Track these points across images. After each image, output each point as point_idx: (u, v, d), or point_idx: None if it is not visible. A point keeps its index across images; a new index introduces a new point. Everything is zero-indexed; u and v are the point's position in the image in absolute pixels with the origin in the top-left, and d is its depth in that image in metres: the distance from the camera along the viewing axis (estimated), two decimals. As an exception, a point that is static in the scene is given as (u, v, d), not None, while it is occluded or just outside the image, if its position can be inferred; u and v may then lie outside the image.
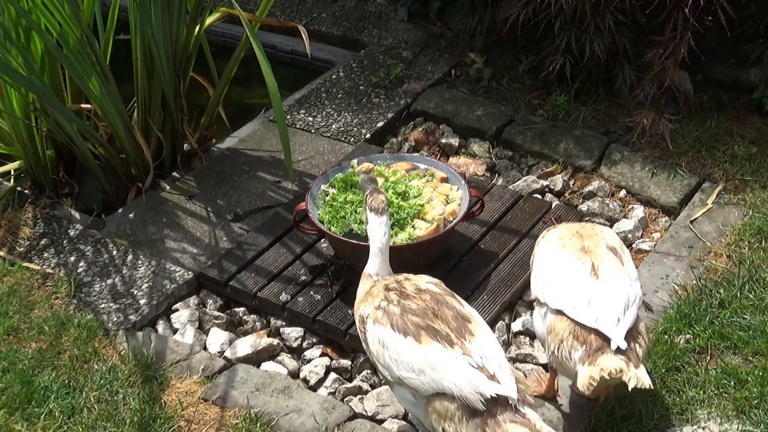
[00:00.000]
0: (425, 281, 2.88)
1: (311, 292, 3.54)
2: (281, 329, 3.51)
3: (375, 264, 3.00)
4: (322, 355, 3.43)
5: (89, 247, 3.83)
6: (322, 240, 3.75)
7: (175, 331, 3.53)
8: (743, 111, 4.51)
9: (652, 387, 2.75)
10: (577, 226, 3.15)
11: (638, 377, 2.74)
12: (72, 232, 3.91)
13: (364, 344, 2.88)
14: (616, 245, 3.04)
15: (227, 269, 3.66)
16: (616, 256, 2.99)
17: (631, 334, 2.84)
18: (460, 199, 3.59)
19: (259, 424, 3.06)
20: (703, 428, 2.99)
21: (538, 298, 3.02)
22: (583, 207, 4.04)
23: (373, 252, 3.01)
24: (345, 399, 3.24)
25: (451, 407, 2.61)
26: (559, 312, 2.91)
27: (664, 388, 3.10)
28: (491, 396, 2.57)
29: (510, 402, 2.57)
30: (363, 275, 3.02)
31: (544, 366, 3.30)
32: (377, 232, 3.01)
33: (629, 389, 2.74)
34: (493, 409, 2.57)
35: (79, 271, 3.72)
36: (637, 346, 2.83)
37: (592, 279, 2.92)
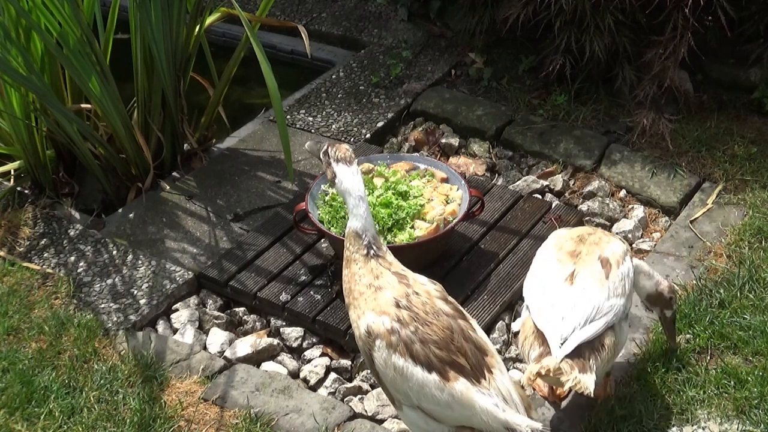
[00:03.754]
0: (434, 296, 2.73)
1: (311, 292, 3.54)
2: (281, 329, 3.51)
3: (360, 218, 2.73)
4: (322, 355, 3.43)
5: (89, 247, 3.83)
6: (322, 240, 3.75)
7: (175, 331, 3.53)
8: (743, 111, 4.51)
9: (592, 394, 2.73)
10: (587, 230, 3.12)
11: (579, 380, 2.73)
12: (72, 232, 3.91)
13: (365, 356, 2.74)
14: (612, 258, 2.98)
15: (227, 269, 3.67)
16: (604, 267, 2.95)
17: (593, 346, 2.83)
18: (460, 199, 3.59)
19: (259, 424, 3.06)
20: (703, 428, 2.99)
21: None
22: (583, 207, 4.04)
23: (353, 204, 2.74)
24: (345, 399, 3.25)
25: None
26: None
27: (664, 388, 3.10)
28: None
29: None
30: (348, 235, 2.75)
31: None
32: (352, 182, 2.74)
33: (564, 389, 2.78)
34: None
35: (79, 271, 3.72)
36: (593, 358, 2.82)
37: (566, 284, 2.92)
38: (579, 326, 2.83)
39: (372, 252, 2.74)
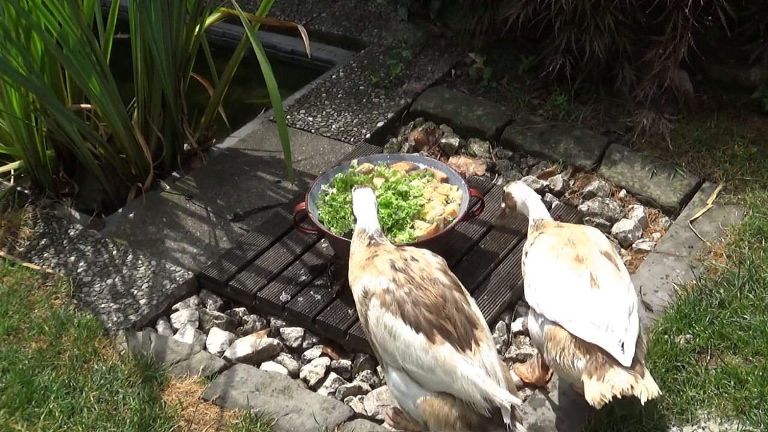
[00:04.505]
0: (433, 267, 2.83)
1: (311, 292, 3.54)
2: (281, 329, 3.51)
3: (366, 217, 2.98)
4: (322, 355, 3.43)
5: (89, 247, 3.83)
6: (322, 240, 3.75)
7: (175, 331, 3.53)
8: (743, 111, 4.51)
9: (661, 393, 2.74)
10: (567, 233, 3.06)
11: (648, 389, 2.70)
12: (72, 232, 3.91)
13: (362, 318, 2.82)
14: (609, 249, 3.00)
15: (227, 269, 3.67)
16: (610, 261, 2.96)
17: (637, 343, 2.83)
18: (460, 199, 3.59)
19: (259, 424, 3.06)
20: (703, 428, 2.99)
21: (533, 308, 2.98)
22: (583, 207, 4.04)
23: (361, 208, 3.02)
24: (345, 399, 3.25)
25: (452, 414, 2.64)
26: (557, 323, 2.88)
27: (664, 388, 3.10)
28: (499, 404, 2.59)
29: (516, 409, 2.61)
30: (357, 232, 2.97)
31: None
32: (361, 193, 3.05)
33: (642, 403, 2.72)
34: (494, 418, 2.61)
35: (79, 271, 3.72)
36: (639, 352, 2.81)
37: (594, 290, 2.88)
38: (627, 327, 2.81)
39: (372, 242, 2.93)
